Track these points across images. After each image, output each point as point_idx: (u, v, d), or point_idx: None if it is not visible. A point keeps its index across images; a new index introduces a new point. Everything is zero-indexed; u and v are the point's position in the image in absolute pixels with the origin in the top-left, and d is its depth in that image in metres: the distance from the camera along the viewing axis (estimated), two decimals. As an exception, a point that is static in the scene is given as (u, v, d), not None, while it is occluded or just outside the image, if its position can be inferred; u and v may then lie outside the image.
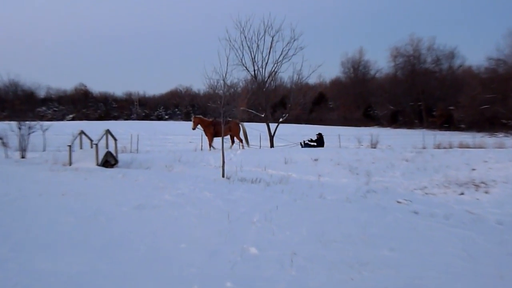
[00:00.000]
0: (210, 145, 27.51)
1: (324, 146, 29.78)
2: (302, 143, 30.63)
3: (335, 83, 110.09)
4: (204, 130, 27.82)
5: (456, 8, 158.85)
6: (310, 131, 52.26)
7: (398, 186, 15.93)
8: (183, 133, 43.92)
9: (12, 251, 6.60)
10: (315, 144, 29.85)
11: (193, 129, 27.85)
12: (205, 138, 28.50)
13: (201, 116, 29.30)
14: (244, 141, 29.03)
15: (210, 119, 28.61)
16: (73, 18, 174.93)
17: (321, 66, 33.48)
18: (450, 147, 29.04)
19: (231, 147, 28.20)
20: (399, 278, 6.04)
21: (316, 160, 20.86)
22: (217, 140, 27.92)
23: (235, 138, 29.05)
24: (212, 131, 27.37)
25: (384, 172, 18.43)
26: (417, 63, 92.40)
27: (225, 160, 16.75)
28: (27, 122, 22.85)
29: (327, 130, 51.88)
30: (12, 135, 22.53)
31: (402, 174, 17.90)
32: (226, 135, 28.04)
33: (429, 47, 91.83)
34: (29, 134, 22.39)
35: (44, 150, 25.37)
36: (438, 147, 30.15)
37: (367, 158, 21.44)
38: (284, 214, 9.55)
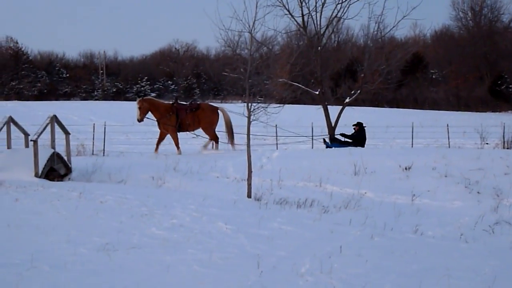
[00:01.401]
0: (176, 144, 27.04)
1: (365, 145, 29.32)
2: (330, 139, 30.11)
3: (442, 38, 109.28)
4: (160, 121, 27.08)
5: None
6: (398, 118, 52.06)
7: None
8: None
9: None
10: (350, 140, 29.37)
11: (140, 120, 27.02)
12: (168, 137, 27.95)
13: (152, 97, 28.63)
14: (228, 134, 28.26)
15: (169, 103, 28.21)
16: None
17: (417, 9, 32.61)
18: None
19: (205, 147, 27.91)
20: None
21: (407, 169, 20.76)
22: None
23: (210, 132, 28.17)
24: (174, 122, 26.69)
25: (526, 190, 18.19)
26: None
27: (254, 169, 16.79)
28: None
29: (427, 116, 51.73)
30: None
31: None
32: (196, 127, 27.78)
33: None
34: None
35: None
36: None
37: (496, 166, 21.15)
38: (353, 261, 9.54)
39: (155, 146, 27.11)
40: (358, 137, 29.44)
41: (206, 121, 27.46)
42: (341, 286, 8.25)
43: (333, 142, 29.71)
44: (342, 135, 30.35)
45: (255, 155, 20.02)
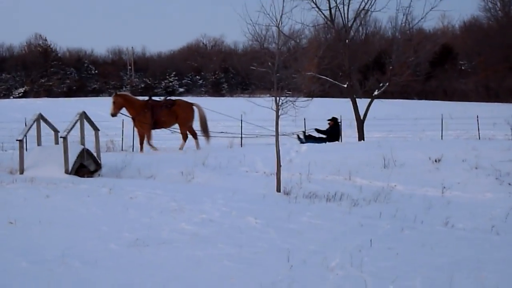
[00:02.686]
0: (149, 142, 26.65)
1: (340, 139, 29.02)
2: (302, 136, 29.86)
3: (471, 28, 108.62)
4: (134, 118, 26.82)
5: None
6: (427, 110, 51.80)
7: None
8: (211, 118, 44.11)
9: None
10: (324, 136, 29.13)
11: (113, 115, 26.74)
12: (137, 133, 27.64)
13: (127, 93, 28.35)
14: (202, 130, 27.95)
15: (144, 99, 27.91)
16: None
17: (446, 0, 32.72)
18: None
19: (181, 147, 27.37)
20: None
21: (437, 161, 20.68)
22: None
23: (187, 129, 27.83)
24: (149, 119, 26.39)
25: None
26: None
27: (283, 163, 16.78)
28: None
29: (457, 108, 51.45)
30: None
31: None
32: (171, 124, 27.71)
33: None
34: None
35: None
36: None
37: (528, 157, 21.10)
38: (383, 254, 9.52)
39: (139, 146, 26.96)
40: (333, 132, 29.56)
41: (182, 116, 27.23)
42: (371, 279, 8.22)
43: (308, 139, 29.31)
44: (317, 130, 30.19)
45: (283, 149, 19.99)
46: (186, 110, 27.37)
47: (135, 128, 27.29)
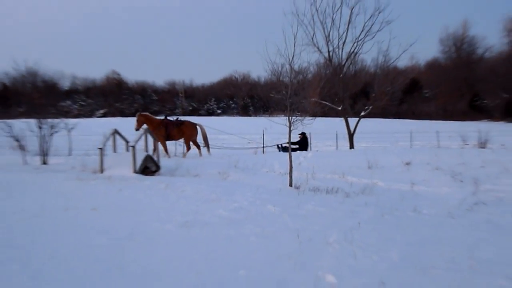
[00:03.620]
0: (166, 151, 27.12)
1: (308, 149, 28.91)
2: (280, 146, 29.74)
3: (432, 66, 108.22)
4: (153, 132, 26.11)
5: None
6: (400, 126, 51.63)
7: (516, 196, 15.52)
8: (241, 132, 44.19)
9: (32, 279, 6.77)
10: (297, 146, 29.00)
11: (137, 129, 26.58)
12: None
13: (147, 113, 28.57)
14: (204, 144, 28.45)
15: (161, 118, 28.04)
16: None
17: (414, 45, 33.15)
18: None
19: (184, 155, 27.38)
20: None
21: (408, 164, 20.68)
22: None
23: (191, 142, 28.43)
24: (164, 133, 26.93)
25: (496, 178, 17.96)
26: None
27: (293, 165, 16.75)
28: (48, 120, 23.08)
29: (422, 125, 51.17)
30: (31, 136, 22.95)
31: (521, 181, 17.55)
32: (179, 138, 27.97)
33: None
34: (51, 134, 22.80)
35: (69, 154, 26.10)
36: None
37: (475, 161, 21.09)
38: (368, 233, 9.45)
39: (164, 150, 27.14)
40: (302, 143, 29.66)
41: (188, 134, 27.72)
42: (360, 251, 8.17)
43: (284, 149, 29.23)
44: (290, 142, 29.51)
45: (294, 155, 19.95)
46: (191, 129, 27.80)
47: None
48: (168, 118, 27.99)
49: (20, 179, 15.81)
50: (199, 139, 28.45)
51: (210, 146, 29.04)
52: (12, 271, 7.02)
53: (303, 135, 29.73)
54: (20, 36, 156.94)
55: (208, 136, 28.67)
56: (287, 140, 30.07)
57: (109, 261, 7.64)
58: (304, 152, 26.63)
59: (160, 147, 25.81)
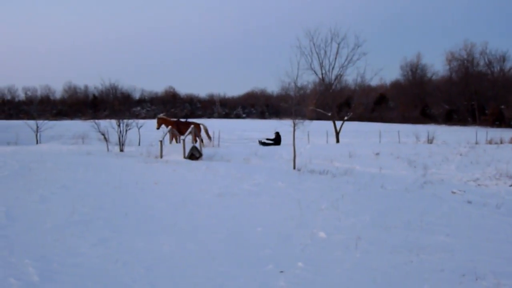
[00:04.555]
0: (178, 140, 24.92)
1: (281, 144, 28.03)
2: (260, 142, 29.18)
3: (395, 85, 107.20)
4: (170, 130, 25.86)
5: (509, 13, 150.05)
6: (371, 127, 51.34)
7: (452, 178, 15.59)
8: (259, 130, 44.18)
9: (113, 232, 6.85)
10: (272, 142, 28.37)
11: (157, 128, 26.49)
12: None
13: (164, 116, 28.10)
14: (206, 137, 27.24)
15: (174, 120, 27.35)
16: (168, 30, 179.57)
17: (382, 70, 33.39)
18: (501, 143, 28.60)
19: (203, 145, 26.38)
20: (454, 261, 5.87)
21: (377, 154, 20.62)
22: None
23: (197, 137, 27.38)
24: (177, 130, 25.56)
25: (440, 165, 18.12)
26: (471, 66, 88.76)
27: (296, 154, 16.73)
28: (124, 120, 23.72)
29: (388, 127, 50.82)
30: (112, 131, 23.49)
31: (456, 167, 17.61)
32: (188, 135, 27.14)
33: (482, 52, 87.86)
34: (126, 130, 23.33)
35: (139, 145, 26.21)
36: (490, 142, 29.71)
37: (424, 153, 21.14)
38: (349, 202, 9.43)
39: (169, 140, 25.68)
40: (276, 139, 28.24)
41: (194, 131, 26.24)
42: (343, 215, 8.16)
43: (264, 144, 27.97)
44: (267, 139, 28.96)
45: (297, 146, 19.92)
46: (197, 127, 26.48)
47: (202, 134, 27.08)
48: (180, 119, 27.66)
49: (105, 161, 15.96)
50: (202, 134, 27.40)
51: (234, 140, 28.61)
52: (98, 226, 7.13)
53: (277, 134, 28.82)
54: (105, 59, 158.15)
55: (235, 133, 28.38)
56: (266, 137, 29.61)
57: (166, 219, 7.72)
58: (304, 144, 26.47)
59: (187, 139, 25.87)
